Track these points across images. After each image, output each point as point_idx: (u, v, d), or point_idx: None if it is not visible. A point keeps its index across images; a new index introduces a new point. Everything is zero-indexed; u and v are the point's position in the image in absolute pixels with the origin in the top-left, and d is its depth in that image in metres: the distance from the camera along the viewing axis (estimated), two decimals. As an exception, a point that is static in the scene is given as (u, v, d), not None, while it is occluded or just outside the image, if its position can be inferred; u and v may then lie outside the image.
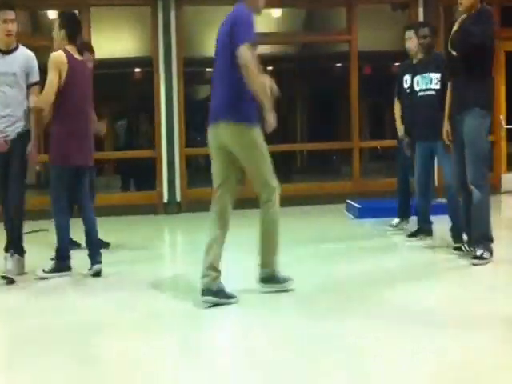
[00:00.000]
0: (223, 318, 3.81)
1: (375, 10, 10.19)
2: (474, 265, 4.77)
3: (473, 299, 4.01)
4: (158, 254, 6.17)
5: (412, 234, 6.02)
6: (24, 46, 5.06)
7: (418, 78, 5.79)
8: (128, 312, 3.97)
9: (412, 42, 6.22)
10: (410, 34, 6.28)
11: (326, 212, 8.35)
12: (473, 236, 4.96)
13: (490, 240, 4.90)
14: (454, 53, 4.83)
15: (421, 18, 9.25)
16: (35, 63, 5.04)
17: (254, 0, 4.06)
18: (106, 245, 6.00)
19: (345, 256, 5.53)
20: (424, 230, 5.94)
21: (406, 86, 6.31)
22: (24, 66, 4.96)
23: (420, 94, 5.73)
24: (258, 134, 4.00)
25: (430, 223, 5.95)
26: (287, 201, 8.91)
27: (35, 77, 5.01)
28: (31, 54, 5.07)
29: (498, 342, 3.22)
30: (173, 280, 4.93)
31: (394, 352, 3.08)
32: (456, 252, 5.20)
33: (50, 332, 3.58)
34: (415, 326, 3.46)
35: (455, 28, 4.86)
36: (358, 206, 7.83)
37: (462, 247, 5.17)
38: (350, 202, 8.23)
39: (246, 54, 3.75)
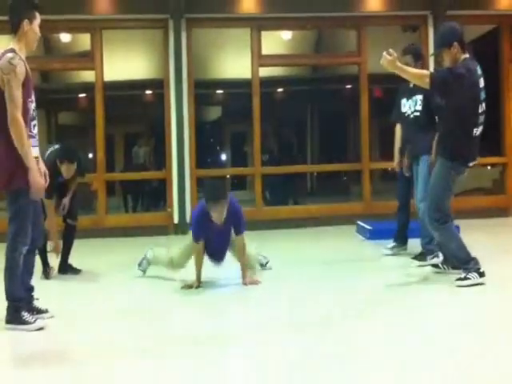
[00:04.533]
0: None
1: (385, 31, 10.21)
2: (457, 286, 4.82)
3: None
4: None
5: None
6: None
7: (409, 100, 6.22)
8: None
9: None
10: (406, 58, 6.31)
11: (336, 233, 8.29)
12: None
13: (467, 263, 4.89)
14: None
15: (431, 38, 9.26)
16: None
17: None
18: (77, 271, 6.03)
19: (352, 277, 5.55)
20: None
21: (404, 109, 6.37)
22: None
23: (410, 115, 6.20)
24: None
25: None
26: (298, 222, 8.95)
27: None
28: None
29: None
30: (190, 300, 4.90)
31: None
32: (435, 270, 5.37)
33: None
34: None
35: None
36: (369, 227, 7.78)
37: (440, 265, 5.36)
38: (360, 223, 8.18)
39: (244, 241, 5.24)
